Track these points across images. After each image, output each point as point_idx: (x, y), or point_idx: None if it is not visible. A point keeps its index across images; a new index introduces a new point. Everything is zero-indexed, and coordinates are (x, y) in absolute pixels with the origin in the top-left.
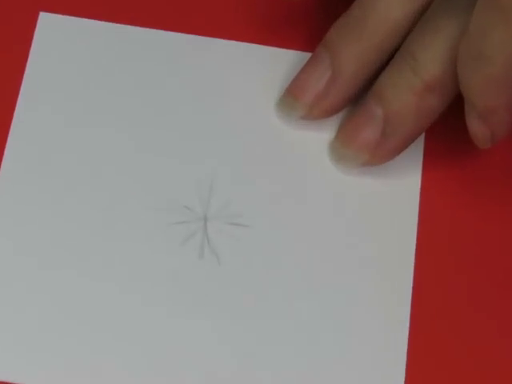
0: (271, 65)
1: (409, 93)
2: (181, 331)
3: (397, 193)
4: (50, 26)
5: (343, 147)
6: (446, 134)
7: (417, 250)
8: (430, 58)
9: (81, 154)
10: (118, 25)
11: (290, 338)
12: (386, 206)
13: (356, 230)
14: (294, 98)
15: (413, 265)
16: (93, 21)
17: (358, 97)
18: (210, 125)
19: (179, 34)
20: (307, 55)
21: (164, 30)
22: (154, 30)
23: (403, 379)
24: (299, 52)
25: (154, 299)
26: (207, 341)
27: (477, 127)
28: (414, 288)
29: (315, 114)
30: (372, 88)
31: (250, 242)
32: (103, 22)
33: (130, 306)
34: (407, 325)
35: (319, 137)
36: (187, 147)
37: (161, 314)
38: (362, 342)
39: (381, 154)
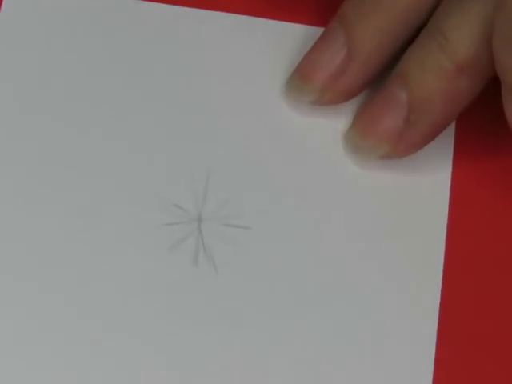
0: (277, 41)
1: (437, 75)
2: (171, 350)
3: (422, 190)
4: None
5: (360, 137)
6: (479, 123)
7: (446, 255)
8: (462, 37)
9: (56, 145)
10: None
11: (299, 358)
12: (409, 206)
13: (375, 233)
14: (303, 80)
15: (441, 272)
16: None
17: (378, 80)
18: (206, 113)
19: (177, 6)
20: (319, 30)
21: (159, 2)
22: (147, 2)
23: None
24: (309, 26)
25: (141, 312)
26: (202, 360)
27: None
28: (442, 294)
29: (328, 98)
30: (394, 69)
31: (251, 246)
32: None
33: (112, 320)
34: (434, 338)
35: (332, 125)
36: (180, 138)
37: (148, 329)
38: (383, 364)
39: (404, 145)
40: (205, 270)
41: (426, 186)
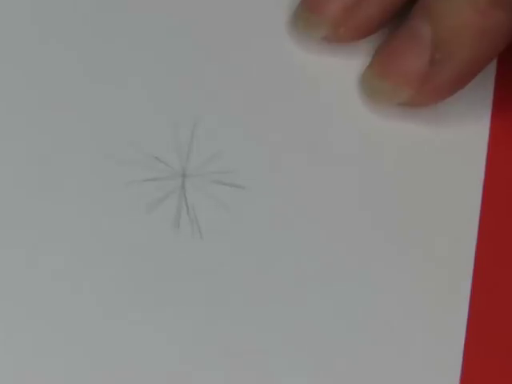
0: None
1: (467, 7)
2: (146, 327)
3: (452, 150)
4: None
5: (379, 78)
6: None
7: (479, 231)
8: None
9: (13, 76)
10: None
11: (295, 344)
12: (437, 166)
13: (395, 198)
14: (313, 13)
15: (474, 250)
16: None
17: (400, 13)
18: (194, 49)
19: None
20: None
21: None
22: None
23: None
24: None
25: (111, 283)
26: (181, 342)
27: None
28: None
29: (342, 34)
30: (418, 0)
31: (245, 208)
32: None
33: (80, 292)
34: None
35: (347, 66)
36: (162, 78)
37: (120, 302)
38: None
39: (429, 89)
40: (187, 234)
41: (457, 146)
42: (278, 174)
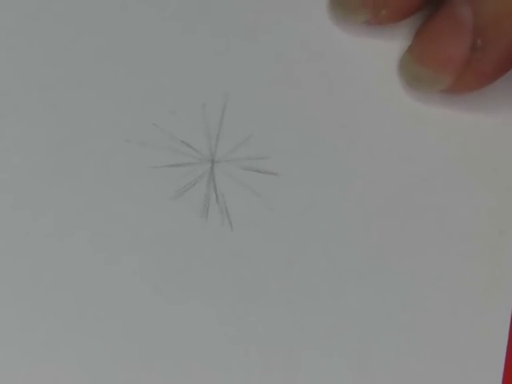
0: None
1: None
2: (170, 318)
3: (496, 135)
4: None
5: (418, 65)
6: None
7: None
8: None
9: (34, 61)
10: None
11: (328, 339)
12: (479, 152)
13: (435, 185)
14: None
15: None
16: None
17: None
18: (224, 26)
19: None
20: None
21: None
22: None
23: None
24: None
25: (135, 272)
26: (209, 336)
27: None
28: None
29: (384, 16)
30: None
31: (278, 197)
32: None
33: (102, 280)
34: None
35: (386, 47)
36: (189, 57)
37: (145, 292)
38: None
39: (470, 76)
40: (216, 224)
41: (499, 133)
42: (313, 160)
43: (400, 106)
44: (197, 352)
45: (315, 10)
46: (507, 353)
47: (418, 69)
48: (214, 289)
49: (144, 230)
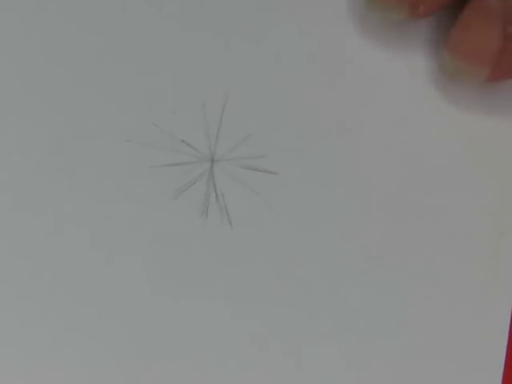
0: None
1: None
2: (172, 315)
3: (499, 136)
4: None
5: (456, 58)
6: None
7: None
8: None
9: (35, 60)
10: None
11: (328, 337)
12: (481, 156)
13: (439, 188)
14: None
15: None
16: None
17: None
18: (224, 26)
19: None
20: None
21: None
22: None
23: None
24: None
25: (135, 270)
26: (209, 333)
27: None
28: None
29: (421, 11)
30: None
31: (277, 195)
32: None
33: (103, 278)
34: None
35: (383, 46)
36: (189, 57)
37: (145, 290)
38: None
39: (507, 63)
40: (215, 222)
41: (500, 135)
42: (311, 159)
43: (400, 106)
44: (196, 350)
45: (315, 10)
46: (507, 352)
47: (457, 63)
48: (213, 286)
49: (144, 228)
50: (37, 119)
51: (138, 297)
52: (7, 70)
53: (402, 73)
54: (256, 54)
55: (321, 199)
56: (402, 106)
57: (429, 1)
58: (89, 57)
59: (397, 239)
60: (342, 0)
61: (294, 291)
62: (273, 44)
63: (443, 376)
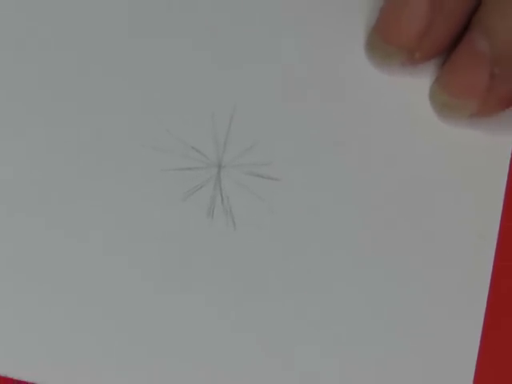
0: None
1: None
2: (178, 312)
3: (481, 140)
4: None
5: (445, 93)
6: None
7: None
8: None
9: (58, 78)
10: None
11: (325, 336)
12: (463, 160)
13: (420, 191)
14: (389, 43)
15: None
16: None
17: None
18: (233, 36)
19: None
20: None
21: None
22: None
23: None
24: None
25: (144, 268)
26: (212, 329)
27: None
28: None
29: (417, 58)
30: (475, 15)
31: (279, 200)
32: None
33: (111, 278)
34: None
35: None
36: (200, 69)
37: (152, 287)
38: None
39: (493, 100)
40: (221, 224)
41: (482, 139)
42: (313, 167)
43: (398, 117)
44: (200, 348)
45: (320, 23)
46: (479, 353)
47: (446, 98)
48: (217, 284)
49: (154, 226)
50: (61, 125)
51: (146, 294)
52: (24, 73)
53: (402, 85)
54: (263, 70)
55: (320, 205)
56: (400, 116)
57: (425, 48)
58: (105, 62)
59: (385, 243)
60: (347, 17)
61: (293, 288)
62: (279, 60)
63: (415, 371)
